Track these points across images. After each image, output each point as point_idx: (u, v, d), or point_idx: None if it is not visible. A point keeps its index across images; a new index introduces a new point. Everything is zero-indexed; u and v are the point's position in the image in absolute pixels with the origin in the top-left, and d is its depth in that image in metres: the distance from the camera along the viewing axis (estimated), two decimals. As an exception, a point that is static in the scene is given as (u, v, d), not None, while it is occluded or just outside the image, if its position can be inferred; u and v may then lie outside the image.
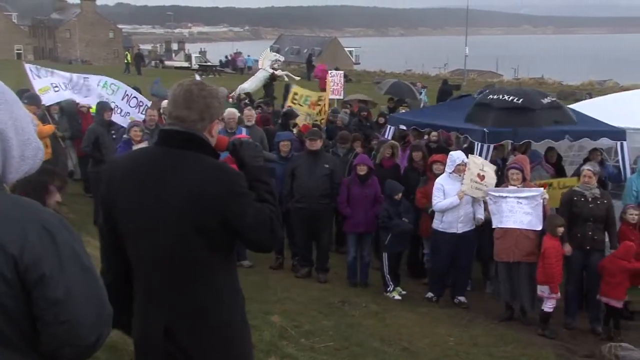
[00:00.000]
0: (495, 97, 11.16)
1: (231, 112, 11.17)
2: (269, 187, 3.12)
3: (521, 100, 10.73)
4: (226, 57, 66.00)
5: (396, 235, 9.64)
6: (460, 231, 9.44)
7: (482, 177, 9.39)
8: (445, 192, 9.42)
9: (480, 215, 9.45)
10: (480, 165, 9.49)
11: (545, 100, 11.08)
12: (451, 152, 9.94)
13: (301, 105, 16.73)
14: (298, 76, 37.54)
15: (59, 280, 2.04)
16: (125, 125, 12.51)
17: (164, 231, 2.90)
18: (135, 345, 3.12)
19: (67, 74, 13.18)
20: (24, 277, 2.02)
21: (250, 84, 27.25)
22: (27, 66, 12.77)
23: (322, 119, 16.18)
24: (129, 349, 4.83)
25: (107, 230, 3.10)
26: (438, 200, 9.46)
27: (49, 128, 11.47)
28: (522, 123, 10.51)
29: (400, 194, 9.65)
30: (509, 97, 10.89)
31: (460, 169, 9.40)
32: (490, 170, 9.52)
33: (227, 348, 3.03)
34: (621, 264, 8.53)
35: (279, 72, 29.98)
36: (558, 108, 11.28)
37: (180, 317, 2.97)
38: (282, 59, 30.83)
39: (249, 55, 64.11)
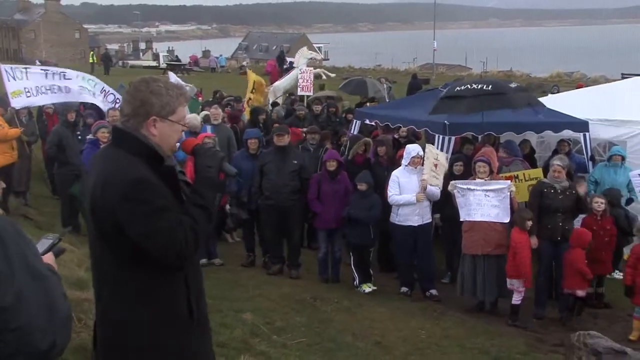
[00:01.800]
0: (462, 87, 11.28)
1: (191, 119, 11.18)
2: (202, 201, 2.99)
3: (490, 86, 10.88)
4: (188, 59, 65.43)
5: (352, 227, 9.67)
6: (416, 224, 9.50)
7: (436, 166, 9.50)
8: (401, 184, 9.50)
9: (437, 215, 9.57)
10: (435, 154, 9.59)
11: (513, 85, 11.27)
12: (407, 145, 10.00)
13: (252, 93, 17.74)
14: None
15: (7, 286, 1.99)
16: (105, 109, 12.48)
17: (88, 233, 2.99)
18: None
19: (43, 74, 12.96)
20: None
21: (285, 83, 26.84)
22: (2, 67, 12.58)
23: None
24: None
25: None
26: (393, 193, 9.54)
27: (15, 132, 11.32)
28: (497, 106, 10.60)
29: (364, 185, 9.64)
30: (477, 86, 11.02)
31: (415, 162, 9.48)
32: (443, 160, 9.69)
33: (135, 355, 2.94)
34: (575, 253, 8.64)
35: (314, 71, 29.35)
36: (526, 91, 11.49)
37: (99, 319, 3.00)
38: (319, 56, 30.12)
39: (220, 55, 64.05)
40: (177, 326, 2.96)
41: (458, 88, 11.31)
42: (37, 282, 2.07)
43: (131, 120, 2.96)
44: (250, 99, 19.01)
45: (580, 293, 8.75)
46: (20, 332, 2.01)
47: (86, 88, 13.33)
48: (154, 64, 64.35)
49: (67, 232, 2.90)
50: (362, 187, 9.65)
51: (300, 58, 27.21)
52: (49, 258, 2.57)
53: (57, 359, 2.18)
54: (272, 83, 36.72)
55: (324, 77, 31.09)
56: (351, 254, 9.88)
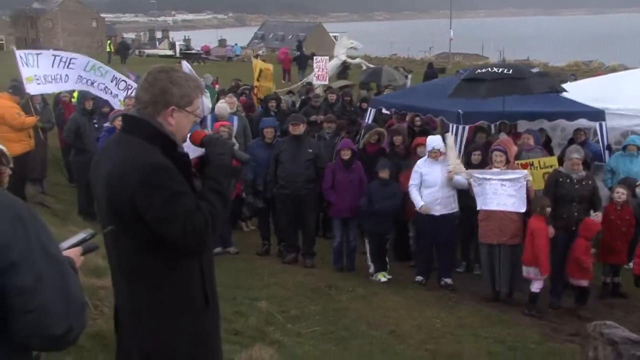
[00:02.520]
0: (483, 70, 11.18)
1: (222, 107, 11.39)
2: (218, 186, 3.00)
3: (511, 70, 10.77)
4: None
5: (370, 215, 9.67)
6: (438, 214, 9.48)
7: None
8: (423, 175, 9.48)
9: (460, 179, 9.49)
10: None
11: (534, 70, 11.16)
12: (428, 137, 9.97)
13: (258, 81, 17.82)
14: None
15: (28, 268, 2.02)
16: (116, 106, 12.47)
17: (101, 215, 2.98)
18: None
19: (51, 60, 12.98)
20: None
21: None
22: (17, 53, 12.64)
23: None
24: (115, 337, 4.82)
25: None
26: (413, 182, 9.57)
27: (32, 120, 11.38)
28: (516, 91, 10.51)
29: (386, 172, 9.67)
30: (498, 69, 10.93)
31: (433, 155, 9.44)
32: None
33: (153, 346, 2.96)
34: (578, 242, 8.59)
35: (353, 60, 28.78)
36: (548, 76, 11.35)
37: (121, 299, 3.04)
38: (359, 46, 29.30)
39: (236, 44, 64.00)
40: (192, 311, 2.99)
41: (479, 70, 11.21)
42: (54, 266, 2.09)
43: (149, 107, 2.96)
44: (256, 86, 19.00)
45: (583, 283, 8.72)
46: (38, 314, 2.03)
47: (85, 79, 13.29)
48: (170, 52, 64.34)
49: (109, 231, 2.84)
50: (384, 174, 9.66)
51: (340, 47, 26.84)
52: (73, 252, 2.56)
53: (73, 345, 2.20)
54: (284, 71, 36.83)
55: (364, 67, 30.48)
56: (367, 242, 9.86)
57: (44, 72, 12.63)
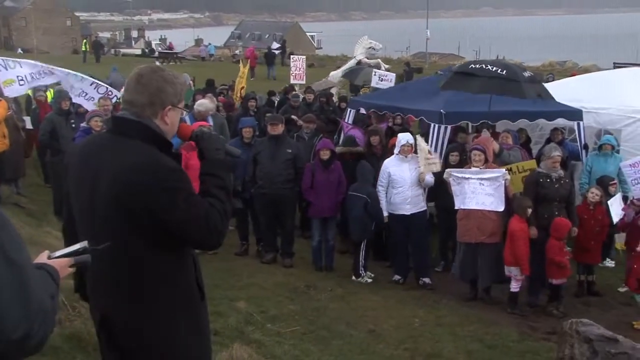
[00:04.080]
0: (477, 66, 11.20)
1: (204, 103, 11.24)
2: (221, 182, 3.04)
3: (505, 71, 10.83)
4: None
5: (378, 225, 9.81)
6: (408, 213, 9.53)
7: (430, 152, 9.65)
8: (391, 174, 9.55)
9: (431, 204, 9.58)
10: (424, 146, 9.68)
11: (526, 74, 11.23)
12: (399, 134, 10.02)
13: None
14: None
15: None
16: (90, 108, 12.37)
17: (97, 217, 2.89)
18: None
19: (32, 64, 12.96)
20: None
21: (340, 73, 26.23)
22: None
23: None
24: (93, 338, 4.78)
25: (67, 207, 3.18)
26: (380, 184, 9.66)
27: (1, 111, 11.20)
28: (509, 93, 10.59)
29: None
30: (492, 68, 10.98)
31: (405, 150, 9.49)
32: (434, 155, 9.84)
33: (158, 345, 2.95)
34: (550, 243, 8.69)
35: (370, 61, 28.21)
36: (538, 82, 11.44)
37: (115, 306, 2.95)
38: (378, 46, 28.63)
39: (209, 44, 63.98)
40: (193, 304, 3.03)
41: (472, 65, 11.24)
42: (11, 269, 2.02)
43: (147, 109, 2.93)
44: (243, 87, 19.02)
45: (556, 282, 8.82)
46: None
47: (70, 82, 13.25)
48: (138, 52, 64.04)
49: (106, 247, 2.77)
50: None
51: (359, 48, 26.49)
52: (59, 262, 2.48)
53: (36, 352, 2.12)
54: (251, 68, 36.72)
55: (383, 68, 29.96)
56: (364, 248, 9.84)
57: (29, 71, 12.56)
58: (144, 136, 2.91)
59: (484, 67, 11.11)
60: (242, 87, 18.95)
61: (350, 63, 26.29)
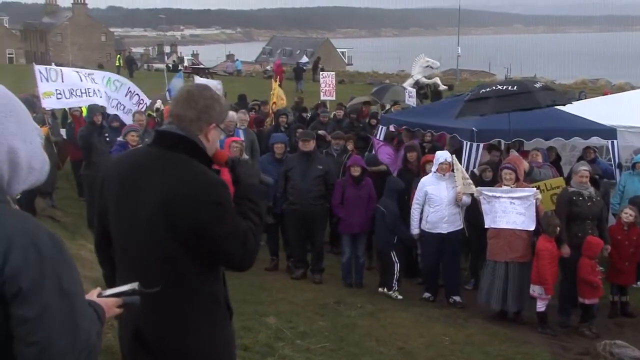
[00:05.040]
0: (487, 89, 11.18)
1: (231, 115, 11.25)
2: (256, 208, 3.10)
3: (515, 87, 10.77)
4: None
5: (402, 240, 9.80)
6: (445, 231, 9.49)
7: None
8: (428, 192, 9.50)
9: (467, 199, 9.52)
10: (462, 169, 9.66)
11: (538, 85, 11.12)
12: (437, 152, 10.01)
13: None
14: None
15: (35, 298, 1.97)
16: (127, 121, 12.53)
17: (140, 231, 2.92)
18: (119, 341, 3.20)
19: (77, 76, 13.11)
20: (3, 289, 1.95)
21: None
22: (37, 68, 12.73)
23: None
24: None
25: (99, 226, 3.18)
26: (416, 202, 9.63)
27: (43, 130, 11.45)
28: (523, 105, 10.51)
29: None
30: (502, 87, 10.92)
31: (443, 168, 9.47)
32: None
33: (188, 350, 2.98)
34: (582, 262, 8.60)
35: (428, 81, 27.56)
36: (552, 90, 11.34)
37: (150, 321, 2.96)
38: (436, 64, 27.86)
39: (237, 59, 64.75)
40: (223, 321, 3.08)
41: (483, 90, 11.20)
42: (64, 300, 2.03)
43: (194, 124, 3.00)
44: (274, 103, 19.15)
45: (588, 301, 8.72)
46: (40, 348, 1.97)
47: (108, 95, 13.42)
48: (162, 67, 64.91)
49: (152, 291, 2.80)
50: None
51: (416, 67, 26.03)
52: (108, 301, 2.49)
53: None
54: (277, 82, 36.90)
55: (441, 87, 29.17)
56: (397, 261, 9.86)
57: (69, 87, 12.72)
58: (189, 151, 2.97)
59: (494, 88, 11.01)
60: (274, 103, 19.05)
61: (408, 82, 25.80)
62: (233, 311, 3.18)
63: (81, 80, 12.92)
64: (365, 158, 11.34)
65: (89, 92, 12.90)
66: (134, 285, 2.63)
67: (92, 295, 2.49)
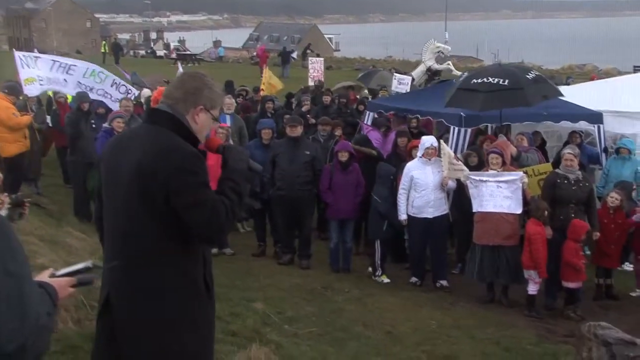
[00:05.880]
0: (479, 80, 11.00)
1: None
2: (237, 187, 3.15)
3: (507, 81, 10.58)
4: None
5: (392, 225, 9.79)
6: (431, 216, 9.52)
7: (457, 158, 9.57)
8: (414, 177, 9.51)
9: (452, 183, 9.54)
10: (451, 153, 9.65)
11: (530, 76, 10.96)
12: (422, 137, 10.01)
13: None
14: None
15: None
16: (115, 108, 12.48)
17: (119, 199, 3.04)
18: None
19: (50, 64, 13.02)
20: None
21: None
22: (17, 54, 12.65)
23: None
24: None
25: (98, 202, 3.42)
26: (403, 187, 9.63)
27: (27, 119, 11.36)
28: (513, 103, 10.48)
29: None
30: (493, 80, 10.70)
31: (429, 153, 9.48)
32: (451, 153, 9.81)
33: (156, 334, 3.02)
34: (567, 245, 8.65)
35: (440, 67, 26.93)
36: (544, 82, 11.28)
37: (119, 288, 3.05)
38: (447, 50, 27.13)
39: (220, 47, 65.23)
40: (197, 299, 3.11)
41: (474, 80, 11.01)
42: (9, 281, 2.00)
43: (180, 104, 3.12)
44: (262, 89, 19.08)
45: (572, 285, 8.78)
46: None
47: (84, 85, 13.35)
48: (160, 53, 64.89)
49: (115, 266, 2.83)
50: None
51: (427, 53, 25.66)
52: (59, 282, 2.47)
53: None
54: (260, 67, 36.96)
55: (454, 72, 28.84)
56: (379, 248, 9.88)
57: (46, 74, 12.68)
58: (173, 127, 3.07)
59: (485, 80, 10.75)
60: (262, 89, 19.00)
61: (419, 69, 25.44)
62: (213, 292, 3.21)
63: (50, 70, 12.87)
64: (355, 140, 11.34)
65: (54, 82, 12.87)
66: (87, 263, 2.65)
67: (44, 276, 2.48)
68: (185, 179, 2.93)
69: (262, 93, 18.46)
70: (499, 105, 10.42)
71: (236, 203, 3.10)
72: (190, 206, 2.93)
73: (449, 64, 28.12)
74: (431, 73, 26.42)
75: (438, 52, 26.17)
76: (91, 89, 13.40)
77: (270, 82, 19.71)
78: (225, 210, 3.00)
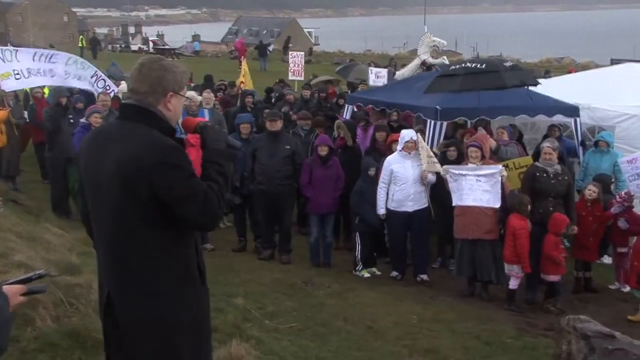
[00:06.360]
0: (457, 66, 11.27)
1: (191, 95, 11.13)
2: (221, 169, 3.16)
3: (484, 65, 10.85)
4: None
5: (368, 212, 9.78)
6: (411, 209, 9.53)
7: (433, 152, 9.64)
8: (394, 171, 9.52)
9: (432, 177, 9.56)
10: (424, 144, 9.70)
11: (507, 64, 11.20)
12: (402, 130, 10.03)
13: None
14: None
15: None
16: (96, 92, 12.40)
17: (102, 198, 3.02)
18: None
19: (31, 55, 12.84)
20: None
21: (407, 73, 25.49)
22: None
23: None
24: (91, 335, 4.79)
25: (83, 199, 3.31)
26: (382, 181, 9.63)
27: (3, 113, 11.22)
28: (490, 85, 10.57)
29: (373, 170, 9.73)
30: (471, 65, 11.02)
31: (408, 147, 9.49)
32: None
33: (154, 326, 3.04)
34: (548, 238, 8.71)
35: (435, 61, 26.83)
36: (520, 70, 11.42)
37: (116, 284, 3.07)
38: (443, 44, 27.11)
39: (195, 41, 65.12)
40: (192, 287, 3.14)
41: (453, 67, 11.32)
42: None
43: (150, 97, 3.09)
44: (242, 82, 19.02)
45: (553, 278, 8.83)
46: None
47: (72, 73, 13.22)
48: (144, 48, 64.54)
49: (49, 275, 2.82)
50: (372, 172, 9.71)
51: (422, 46, 25.57)
52: (11, 289, 2.48)
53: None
54: (239, 60, 36.89)
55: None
56: (359, 240, 9.88)
57: (26, 66, 12.48)
58: (148, 121, 3.05)
59: (463, 65, 11.17)
60: (242, 82, 18.93)
61: (414, 62, 25.37)
62: (205, 277, 3.24)
63: (33, 61, 12.68)
64: (344, 121, 11.40)
65: (40, 72, 12.68)
66: (40, 272, 2.68)
67: None
68: (173, 174, 2.92)
69: (242, 87, 18.37)
70: (477, 86, 10.51)
71: (223, 185, 3.12)
72: (183, 199, 2.94)
73: (444, 59, 28.11)
74: (426, 67, 26.52)
75: (434, 46, 26.18)
76: (79, 77, 13.29)
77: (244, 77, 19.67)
78: (216, 196, 3.02)
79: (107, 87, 13.71)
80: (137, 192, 2.92)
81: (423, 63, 25.04)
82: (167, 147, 2.97)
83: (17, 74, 12.37)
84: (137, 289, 3.03)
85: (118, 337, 3.07)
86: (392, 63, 35.28)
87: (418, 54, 26.24)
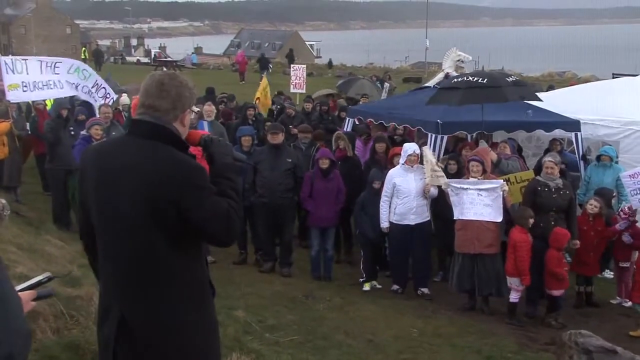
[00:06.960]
0: (459, 79, 11.28)
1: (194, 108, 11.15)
2: (233, 184, 3.14)
3: (486, 79, 10.84)
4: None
5: (369, 223, 9.81)
6: (413, 223, 9.52)
7: (439, 165, 9.63)
8: (396, 184, 9.52)
9: (434, 191, 9.57)
10: (431, 156, 9.68)
11: (510, 79, 11.19)
12: (404, 144, 10.04)
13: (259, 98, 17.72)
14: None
15: None
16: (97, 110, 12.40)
17: (122, 221, 2.94)
18: (97, 331, 3.16)
19: (38, 65, 12.84)
20: None
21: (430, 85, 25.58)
22: (2, 59, 12.45)
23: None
24: (91, 347, 4.77)
25: (83, 214, 3.19)
26: (385, 194, 9.63)
27: (5, 125, 11.24)
28: (491, 99, 10.59)
29: (379, 183, 9.75)
30: (473, 78, 11.01)
31: (411, 160, 9.50)
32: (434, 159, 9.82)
33: (180, 346, 2.98)
34: (550, 254, 8.69)
35: (456, 74, 26.96)
36: (523, 85, 11.42)
37: (135, 305, 2.98)
38: (468, 59, 27.33)
39: (193, 53, 65.45)
40: (208, 300, 3.13)
41: (455, 80, 11.33)
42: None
43: (170, 114, 3.04)
44: (258, 98, 18.91)
45: (556, 293, 8.81)
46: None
47: (74, 84, 13.24)
48: (145, 60, 64.71)
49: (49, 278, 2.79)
50: (377, 185, 9.72)
51: (447, 60, 25.63)
52: (23, 295, 2.45)
53: None
54: (240, 72, 36.89)
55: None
56: (362, 251, 9.89)
57: (33, 79, 12.48)
58: (165, 139, 3.00)
59: (465, 79, 11.13)
60: (257, 99, 18.84)
61: (438, 76, 25.52)
62: (215, 290, 3.22)
63: (41, 73, 12.69)
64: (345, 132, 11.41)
65: (49, 85, 12.70)
66: (47, 275, 2.66)
67: None
68: (199, 195, 2.92)
69: (257, 103, 18.25)
70: (478, 100, 10.52)
71: (238, 200, 3.11)
72: (209, 219, 2.93)
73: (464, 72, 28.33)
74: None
75: (458, 60, 26.29)
76: (77, 86, 13.29)
77: (264, 95, 19.49)
78: (235, 213, 3.02)
79: (107, 95, 13.73)
80: (163, 212, 2.88)
81: (447, 76, 25.08)
82: (194, 167, 2.95)
83: (25, 86, 12.38)
84: (159, 309, 2.97)
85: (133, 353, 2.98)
86: (385, 77, 35.38)
87: (443, 68, 26.31)
